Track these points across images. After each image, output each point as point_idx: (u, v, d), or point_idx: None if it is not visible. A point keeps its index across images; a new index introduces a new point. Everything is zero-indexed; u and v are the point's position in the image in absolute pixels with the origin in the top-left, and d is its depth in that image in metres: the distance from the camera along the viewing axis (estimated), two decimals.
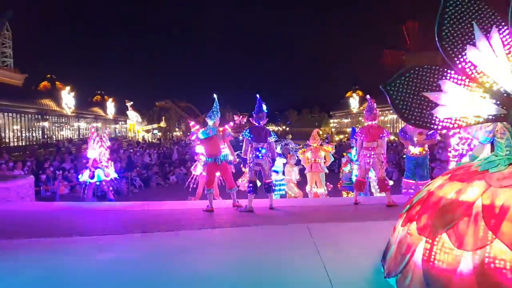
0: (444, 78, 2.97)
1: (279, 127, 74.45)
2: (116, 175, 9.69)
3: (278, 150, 10.16)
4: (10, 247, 4.82)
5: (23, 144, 29.77)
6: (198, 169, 9.15)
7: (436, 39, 2.95)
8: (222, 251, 4.51)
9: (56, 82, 40.36)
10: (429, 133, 7.74)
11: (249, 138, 6.71)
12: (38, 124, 32.58)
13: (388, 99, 3.06)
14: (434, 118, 2.96)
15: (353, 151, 9.81)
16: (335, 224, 5.56)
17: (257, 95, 6.88)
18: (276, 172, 9.52)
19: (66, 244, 4.92)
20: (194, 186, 9.30)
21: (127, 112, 49.51)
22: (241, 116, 11.30)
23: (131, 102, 48.65)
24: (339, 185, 10.44)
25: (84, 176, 9.28)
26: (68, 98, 36.75)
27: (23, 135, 30.70)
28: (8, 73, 37.12)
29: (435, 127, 3.00)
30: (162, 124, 56.17)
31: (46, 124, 33.32)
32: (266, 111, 6.89)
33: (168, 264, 4.06)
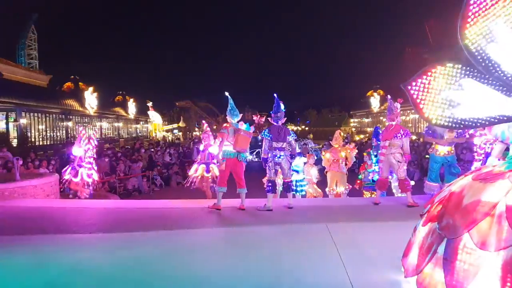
0: (466, 76, 2.93)
1: (298, 127, 74.15)
2: (96, 177, 9.22)
3: (297, 149, 10.14)
4: (36, 242, 4.97)
5: (48, 143, 30.54)
6: (199, 171, 9.02)
7: (459, 36, 2.91)
8: (241, 250, 4.54)
9: (79, 83, 41.30)
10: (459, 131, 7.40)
11: (268, 138, 6.72)
12: (62, 124, 33.36)
13: (409, 99, 3.04)
14: (456, 117, 2.92)
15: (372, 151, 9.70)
16: (355, 224, 5.53)
17: (275, 95, 6.91)
18: (297, 171, 9.50)
19: (88, 240, 5.05)
20: (193, 187, 9.19)
21: (148, 112, 50.17)
22: (259, 116, 11.31)
23: (151, 103, 49.29)
24: (357, 185, 10.28)
25: (68, 174, 8.97)
26: (90, 98, 37.49)
27: (48, 134, 31.49)
28: (34, 74, 38.19)
29: (458, 126, 2.96)
30: (181, 123, 56.73)
31: (70, 123, 34.08)
32: (284, 110, 6.90)
33: (186, 262, 4.12)
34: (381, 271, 3.55)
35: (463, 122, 2.93)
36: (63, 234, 5.33)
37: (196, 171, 8.93)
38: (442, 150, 7.45)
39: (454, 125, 2.95)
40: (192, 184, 8.98)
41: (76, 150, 8.94)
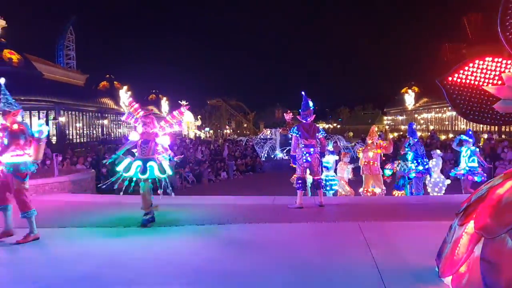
0: (507, 70, 2.82)
1: (330, 125, 73.40)
2: None
3: (330, 147, 10.01)
4: (74, 235, 5.16)
5: (85, 140, 31.59)
6: (132, 170, 5.49)
7: (499, 29, 2.80)
8: (273, 247, 4.54)
9: (114, 82, 42.50)
10: None
11: (298, 136, 6.71)
12: (98, 121, 34.43)
13: (445, 94, 2.96)
14: (495, 112, 2.82)
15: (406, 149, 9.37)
16: (387, 223, 5.43)
17: (303, 92, 6.85)
18: (327, 168, 9.39)
19: (124, 233, 5.18)
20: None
21: None
22: (291, 114, 11.18)
23: (185, 102, 50.08)
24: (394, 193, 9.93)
25: None
26: (125, 97, 38.47)
27: (85, 132, 32.58)
28: (72, 74, 39.61)
29: (496, 122, 2.86)
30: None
31: (105, 121, 35.12)
32: (312, 107, 6.85)
33: (216, 257, 4.17)
34: (415, 270, 3.47)
35: (503, 118, 2.83)
36: (99, 227, 5.50)
37: (127, 168, 5.48)
38: None
39: (492, 121, 2.86)
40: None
41: None
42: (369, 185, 9.38)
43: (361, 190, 9.57)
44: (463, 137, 9.67)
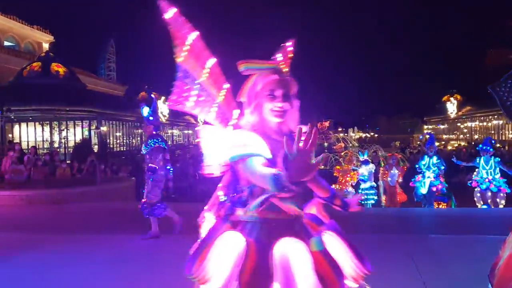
0: None
1: (367, 134, 72.11)
2: None
3: (366, 156, 9.74)
4: (115, 240, 5.27)
5: (124, 149, 32.53)
6: None
7: None
8: None
9: (153, 93, 43.51)
10: None
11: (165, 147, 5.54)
12: (136, 131, 35.38)
13: (498, 101, 2.82)
14: None
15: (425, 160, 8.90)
16: (435, 236, 5.21)
17: (153, 94, 6.10)
18: (364, 180, 9.16)
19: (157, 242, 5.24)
20: None
21: None
22: (326, 123, 11.10)
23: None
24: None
25: None
26: (163, 107, 39.34)
27: (124, 141, 33.59)
28: (112, 85, 41.06)
29: None
30: None
31: None
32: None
33: None
34: (465, 287, 3.30)
35: None
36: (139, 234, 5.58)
37: None
38: None
39: None
40: None
41: None
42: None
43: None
44: (483, 147, 9.21)
